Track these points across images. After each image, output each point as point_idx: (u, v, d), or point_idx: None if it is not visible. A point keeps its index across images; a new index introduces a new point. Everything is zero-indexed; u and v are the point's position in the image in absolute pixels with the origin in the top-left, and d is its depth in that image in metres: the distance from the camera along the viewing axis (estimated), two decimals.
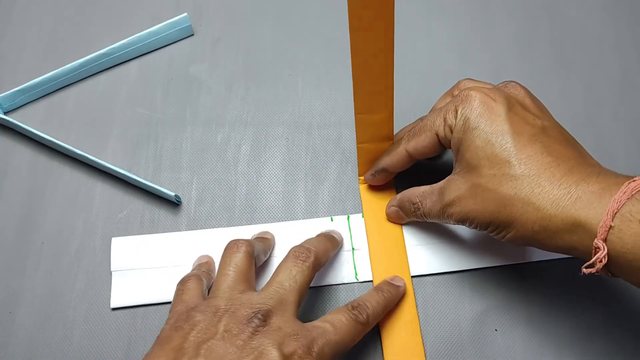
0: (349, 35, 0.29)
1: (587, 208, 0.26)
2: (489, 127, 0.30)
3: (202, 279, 0.34)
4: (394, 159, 0.35)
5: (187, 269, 0.37)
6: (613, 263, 0.26)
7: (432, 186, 0.33)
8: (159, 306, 0.37)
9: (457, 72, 0.44)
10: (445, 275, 0.37)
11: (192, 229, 0.39)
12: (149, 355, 0.28)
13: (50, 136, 0.40)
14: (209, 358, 0.27)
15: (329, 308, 0.37)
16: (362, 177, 0.40)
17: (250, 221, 0.39)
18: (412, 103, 0.43)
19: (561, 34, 0.46)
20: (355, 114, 0.34)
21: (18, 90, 0.43)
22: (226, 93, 0.44)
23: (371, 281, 0.37)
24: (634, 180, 0.26)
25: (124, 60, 0.45)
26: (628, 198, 0.25)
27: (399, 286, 0.35)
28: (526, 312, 0.36)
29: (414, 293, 0.36)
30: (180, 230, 0.39)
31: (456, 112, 0.31)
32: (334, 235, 0.37)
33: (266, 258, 0.37)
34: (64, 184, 0.41)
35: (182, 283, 0.33)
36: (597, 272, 0.26)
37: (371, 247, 0.37)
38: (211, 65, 0.45)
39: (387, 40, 0.30)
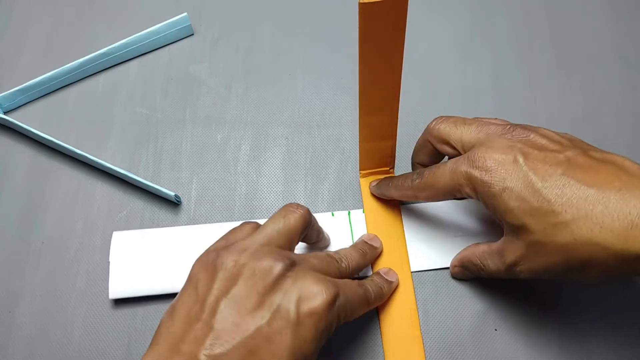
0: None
1: None
2: (517, 185, 0.28)
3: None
4: (402, 194, 0.35)
5: (187, 261, 0.37)
6: None
7: (490, 246, 0.32)
8: (159, 305, 0.37)
9: (457, 72, 0.44)
10: (445, 275, 0.37)
11: None
12: (180, 300, 0.29)
13: (50, 136, 0.40)
14: (227, 309, 0.27)
15: None
16: (362, 172, 0.40)
17: None
18: (412, 103, 0.43)
19: (561, 33, 0.46)
20: (360, 115, 0.34)
21: (18, 90, 0.43)
22: (226, 93, 0.44)
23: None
24: None
25: (123, 60, 0.45)
26: None
27: (391, 282, 0.36)
28: (526, 311, 0.36)
29: (414, 292, 0.37)
30: None
31: (470, 179, 0.30)
32: (373, 248, 0.37)
33: (314, 241, 0.36)
34: (64, 183, 0.41)
35: (243, 224, 0.33)
36: None
37: None
38: (211, 65, 0.45)
39: (397, 49, 0.29)
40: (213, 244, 0.32)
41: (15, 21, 0.47)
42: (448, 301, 0.37)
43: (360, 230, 0.38)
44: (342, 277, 0.33)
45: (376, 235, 0.38)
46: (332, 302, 0.28)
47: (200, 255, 0.31)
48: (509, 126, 0.31)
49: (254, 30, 0.46)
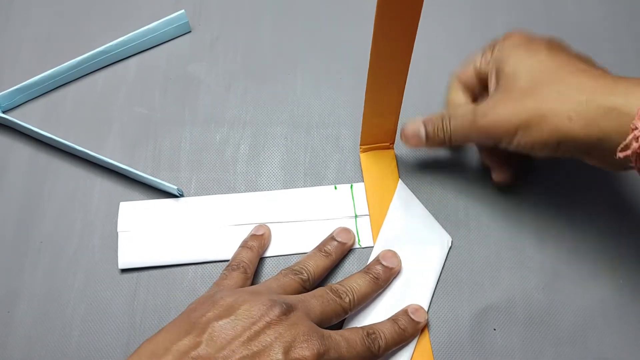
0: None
1: (624, 95, 0.27)
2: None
3: (247, 273, 0.34)
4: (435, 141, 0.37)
5: (192, 231, 0.38)
6: None
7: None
8: (158, 304, 0.37)
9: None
10: (444, 274, 0.37)
11: None
12: (171, 322, 0.30)
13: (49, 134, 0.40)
14: (213, 338, 0.28)
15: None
16: (363, 147, 0.40)
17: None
18: (411, 103, 0.42)
19: (560, 33, 0.45)
20: (367, 91, 0.34)
21: (16, 89, 0.42)
22: (225, 92, 0.44)
23: (373, 247, 0.38)
24: None
25: (122, 58, 0.45)
26: None
27: (418, 322, 0.34)
28: (525, 311, 0.36)
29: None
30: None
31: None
32: (388, 270, 0.35)
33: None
34: (63, 182, 0.41)
35: (229, 269, 0.34)
36: (632, 155, 0.26)
37: (372, 215, 0.38)
38: (210, 64, 0.45)
39: (413, 21, 0.29)
40: (209, 289, 0.33)
41: (14, 20, 0.47)
42: (447, 301, 0.37)
43: (362, 202, 0.39)
44: (345, 313, 0.33)
45: (395, 253, 0.36)
46: (320, 358, 0.28)
47: (199, 297, 0.32)
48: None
49: (253, 29, 0.46)
